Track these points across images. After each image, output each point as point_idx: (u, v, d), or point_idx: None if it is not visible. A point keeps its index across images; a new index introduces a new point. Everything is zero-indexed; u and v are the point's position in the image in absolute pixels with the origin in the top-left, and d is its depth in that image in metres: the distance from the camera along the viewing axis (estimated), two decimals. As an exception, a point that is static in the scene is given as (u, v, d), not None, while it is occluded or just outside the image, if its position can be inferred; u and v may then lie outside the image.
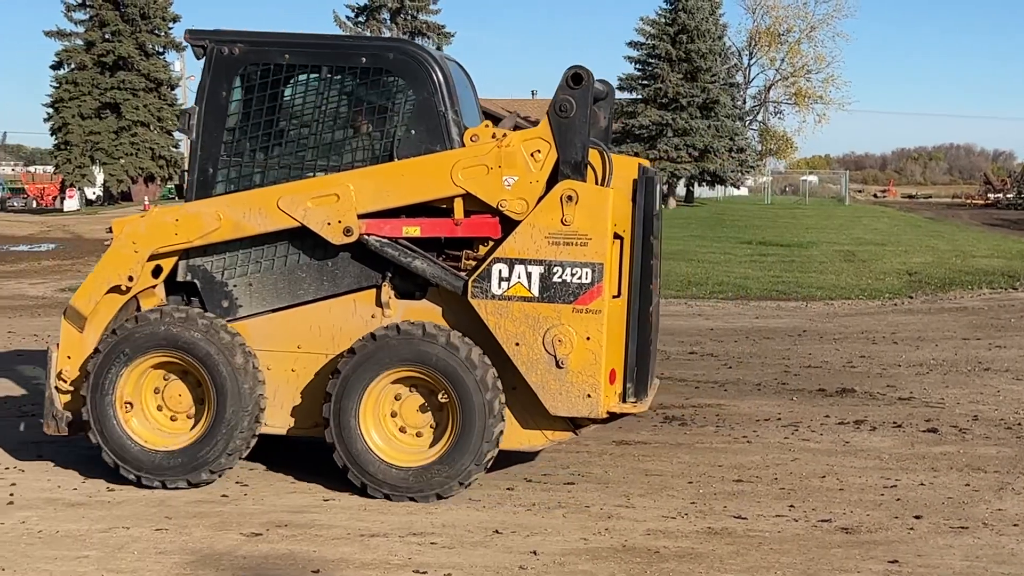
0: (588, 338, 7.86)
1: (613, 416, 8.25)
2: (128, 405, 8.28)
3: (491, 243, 8.16)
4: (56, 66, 64.38)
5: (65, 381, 8.54)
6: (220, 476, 8.37)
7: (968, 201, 77.71)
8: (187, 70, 70.27)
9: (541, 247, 7.89)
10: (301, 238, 8.37)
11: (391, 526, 7.55)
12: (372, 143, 8.44)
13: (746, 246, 32.33)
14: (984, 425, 10.55)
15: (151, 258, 8.39)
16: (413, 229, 8.22)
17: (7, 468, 8.97)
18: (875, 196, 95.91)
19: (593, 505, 8.07)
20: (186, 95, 67.38)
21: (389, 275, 8.35)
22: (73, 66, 63.75)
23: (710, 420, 10.79)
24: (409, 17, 63.10)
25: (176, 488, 8.26)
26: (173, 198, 72.93)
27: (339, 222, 8.16)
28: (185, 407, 8.40)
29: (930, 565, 6.88)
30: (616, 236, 8.12)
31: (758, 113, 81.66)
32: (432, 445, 8.14)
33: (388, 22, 63.31)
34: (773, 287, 22.22)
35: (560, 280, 7.86)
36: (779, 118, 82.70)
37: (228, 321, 8.40)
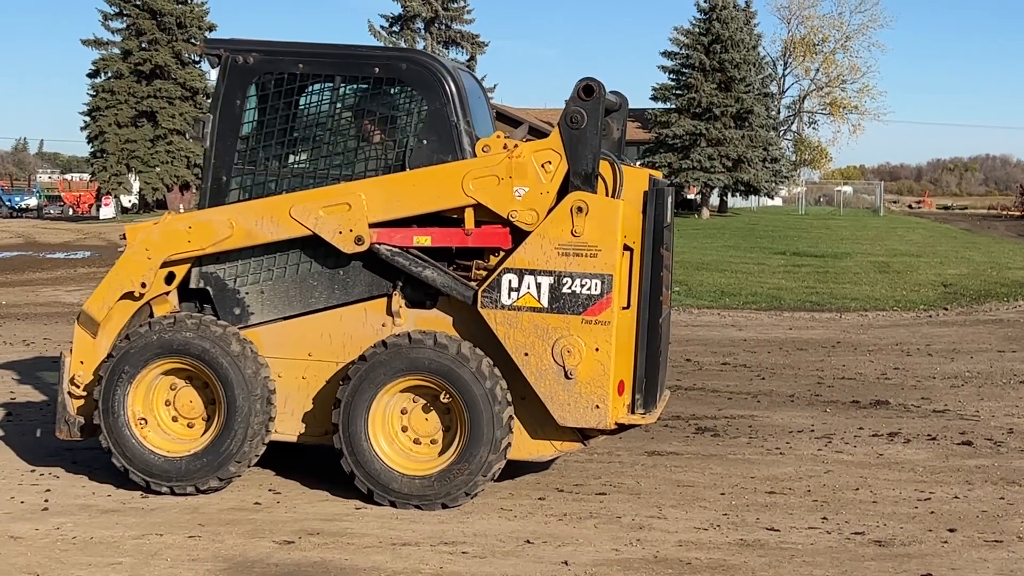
0: (597, 349, 7.90)
1: (621, 427, 8.30)
2: (142, 421, 8.41)
3: (501, 253, 8.22)
4: (93, 74, 64.79)
5: (78, 386, 8.61)
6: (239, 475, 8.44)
7: (1004, 212, 77.11)
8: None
9: (551, 258, 7.94)
10: (313, 246, 8.43)
11: (423, 535, 7.57)
12: (384, 152, 8.49)
13: (780, 256, 32.22)
14: (1019, 438, 10.47)
15: (164, 265, 8.47)
16: (424, 239, 8.28)
17: (42, 475, 9.04)
18: (910, 207, 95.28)
19: (625, 516, 8.06)
20: (221, 104, 67.54)
21: (400, 284, 8.39)
22: (110, 75, 64.13)
23: (743, 431, 10.75)
24: (443, 27, 63.25)
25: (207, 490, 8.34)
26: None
27: (350, 231, 8.22)
28: (198, 412, 8.47)
29: (963, 578, 6.84)
30: (626, 247, 8.15)
31: (792, 123, 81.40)
32: (440, 454, 8.18)
33: (422, 31, 63.49)
34: (807, 298, 22.14)
35: (570, 291, 7.91)
36: (813, 128, 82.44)
37: (240, 328, 8.45)
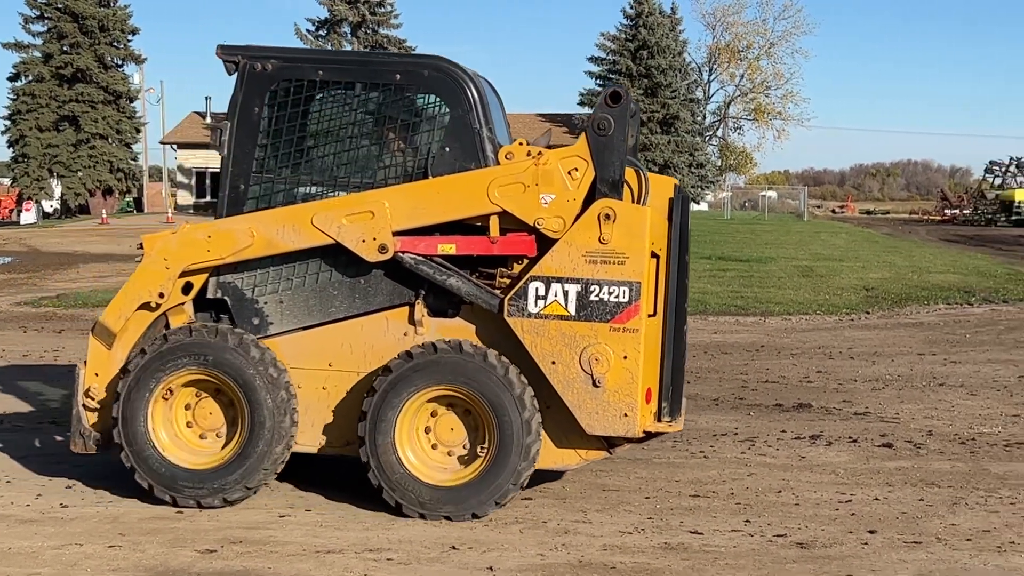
0: (625, 357, 7.86)
1: (649, 435, 8.25)
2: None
3: (525, 261, 8.17)
4: (13, 78, 63.93)
5: (92, 399, 8.43)
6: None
7: (925, 217, 78.38)
8: (146, 82, 70.02)
9: (578, 265, 7.90)
10: (333, 255, 8.32)
11: (347, 542, 7.53)
12: (406, 160, 8.41)
13: (705, 261, 32.43)
14: (938, 440, 10.63)
15: (182, 275, 8.34)
16: (448, 247, 8.19)
17: (-42, 485, 8.88)
18: (833, 212, 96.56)
19: (550, 520, 8.08)
20: (145, 108, 67.10)
21: (423, 292, 8.31)
22: (31, 78, 63.31)
23: (667, 435, 10.81)
24: (370, 31, 63.03)
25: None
26: (132, 211, 72.60)
27: (374, 239, 8.13)
28: (218, 424, 8.36)
29: (884, 581, 6.94)
30: (653, 255, 8.12)
31: (718, 129, 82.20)
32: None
33: (349, 36, 63.23)
34: (732, 302, 22.31)
35: (597, 299, 7.87)
36: (739, 134, 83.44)
37: (258, 338, 8.32)
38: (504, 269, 8.25)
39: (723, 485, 9.03)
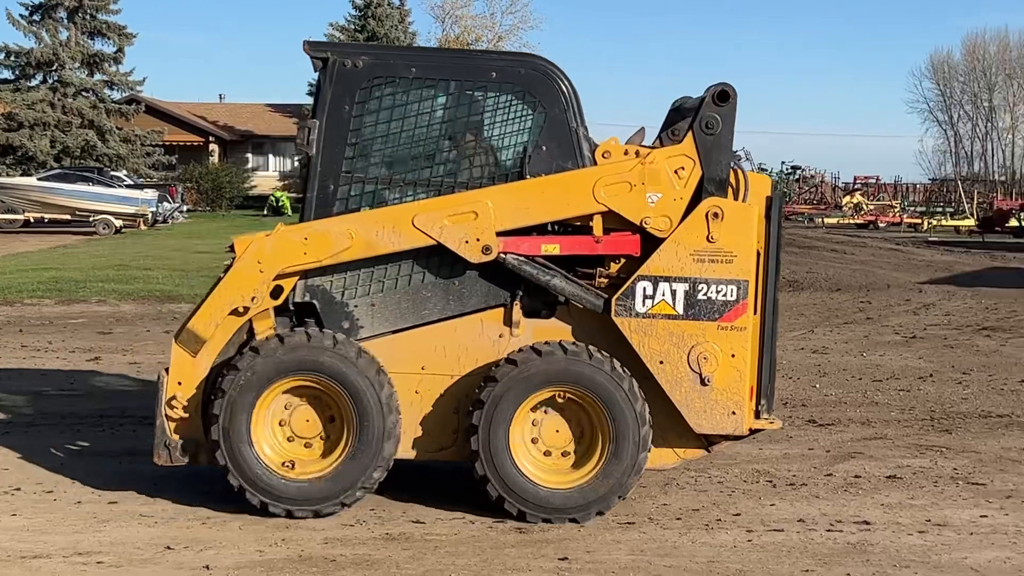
0: (733, 355, 7.93)
1: (751, 432, 8.26)
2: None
3: (622, 261, 8.18)
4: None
5: (175, 408, 8.05)
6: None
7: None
8: None
9: (686, 264, 7.92)
10: (426, 256, 8.17)
11: (55, 547, 7.29)
12: (501, 159, 8.28)
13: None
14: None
15: (276, 278, 8.00)
16: (552, 247, 8.10)
17: None
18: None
19: (272, 516, 7.96)
20: None
21: (519, 294, 8.20)
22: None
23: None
24: (88, 16, 60.66)
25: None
26: None
27: (477, 240, 7.99)
28: (315, 432, 8.08)
29: (598, 560, 7.17)
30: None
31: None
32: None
33: (66, 21, 60.73)
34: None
35: (705, 297, 7.91)
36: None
37: None
38: (602, 269, 8.23)
39: (453, 474, 9.07)
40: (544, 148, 8.15)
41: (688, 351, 7.93)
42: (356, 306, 8.21)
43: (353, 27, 64.60)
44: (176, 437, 8.08)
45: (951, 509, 8.38)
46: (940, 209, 62.80)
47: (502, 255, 8.03)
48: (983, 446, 10.38)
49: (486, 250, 7.99)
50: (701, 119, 8.05)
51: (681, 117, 8.91)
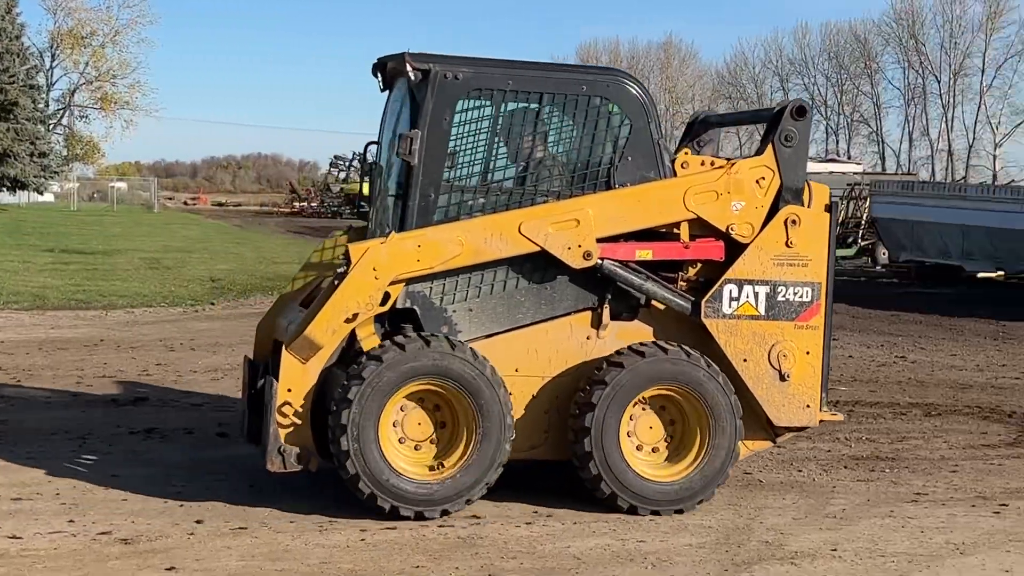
0: (808, 352, 8.64)
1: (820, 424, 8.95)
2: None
3: (699, 265, 8.71)
4: None
5: (286, 415, 8.04)
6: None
7: (276, 209, 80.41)
8: None
9: (767, 268, 8.56)
10: (520, 262, 8.44)
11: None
12: (591, 169, 8.57)
13: (47, 254, 31.27)
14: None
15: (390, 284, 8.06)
16: (645, 252, 8.56)
17: None
18: (186, 203, 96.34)
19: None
20: None
21: (608, 297, 8.54)
22: None
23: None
24: None
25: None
26: None
27: (579, 246, 8.33)
28: (426, 435, 8.25)
29: (208, 568, 7.06)
30: None
31: (62, 117, 79.00)
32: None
33: None
34: (73, 296, 21.68)
35: (784, 299, 8.58)
36: (85, 123, 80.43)
37: None
38: (682, 273, 8.72)
39: (48, 486, 8.74)
40: (630, 158, 8.56)
41: (769, 349, 8.58)
42: (455, 311, 8.42)
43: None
44: (289, 444, 8.08)
45: (558, 500, 8.68)
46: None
47: (600, 260, 8.39)
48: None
49: (587, 256, 8.37)
50: (781, 132, 8.65)
51: (706, 128, 9.82)
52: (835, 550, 7.67)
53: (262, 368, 8.99)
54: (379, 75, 8.94)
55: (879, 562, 7.46)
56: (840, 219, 31.28)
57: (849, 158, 67.91)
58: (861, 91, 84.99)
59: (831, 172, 40.53)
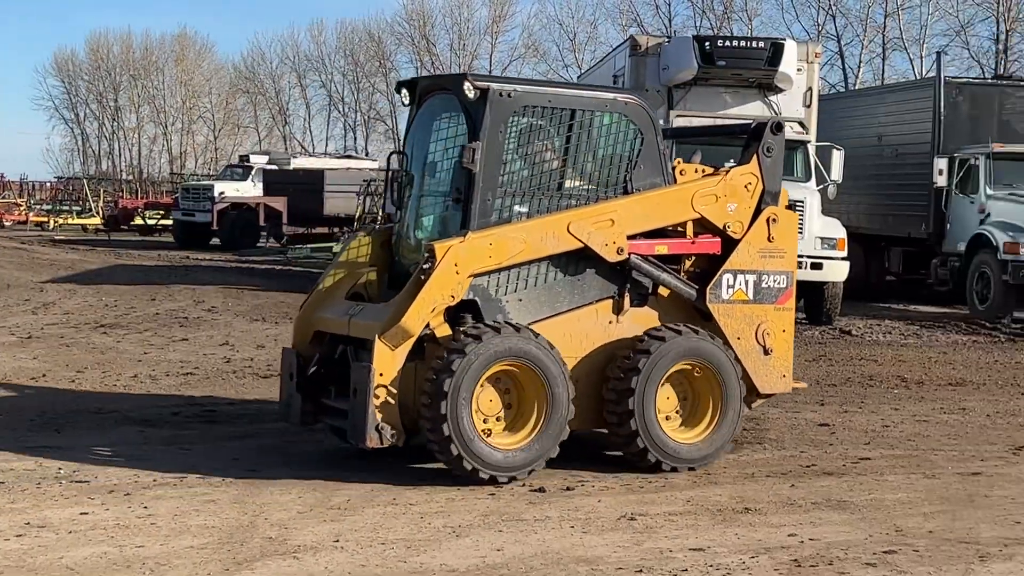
0: (784, 330, 10.22)
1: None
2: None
3: (695, 258, 10.09)
4: None
5: (379, 396, 8.94)
6: None
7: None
8: None
9: (755, 260, 10.06)
10: (559, 257, 9.58)
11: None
12: (615, 176, 9.86)
13: None
14: None
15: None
16: (662, 247, 9.90)
17: None
18: None
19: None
20: None
21: (628, 286, 9.79)
22: None
23: None
24: None
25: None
26: None
27: (614, 243, 9.58)
28: (496, 411, 9.29)
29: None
30: None
31: None
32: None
33: None
34: None
35: (767, 285, 10.10)
36: None
37: None
38: (680, 265, 10.09)
39: None
40: (642, 166, 9.86)
41: (756, 328, 10.07)
42: (507, 301, 9.50)
43: None
44: (385, 422, 8.98)
45: (52, 509, 8.18)
46: (68, 207, 62.25)
47: (629, 255, 9.63)
48: (85, 440, 10.47)
49: (620, 251, 9.61)
50: (764, 144, 10.12)
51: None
52: (337, 541, 7.68)
53: (317, 357, 10.06)
54: (406, 91, 10.16)
55: (379, 549, 7.52)
56: (357, 214, 31.77)
57: (367, 155, 68.97)
58: (377, 89, 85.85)
59: (348, 168, 41.24)
